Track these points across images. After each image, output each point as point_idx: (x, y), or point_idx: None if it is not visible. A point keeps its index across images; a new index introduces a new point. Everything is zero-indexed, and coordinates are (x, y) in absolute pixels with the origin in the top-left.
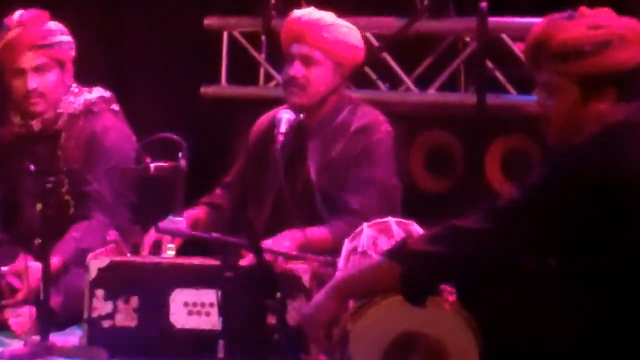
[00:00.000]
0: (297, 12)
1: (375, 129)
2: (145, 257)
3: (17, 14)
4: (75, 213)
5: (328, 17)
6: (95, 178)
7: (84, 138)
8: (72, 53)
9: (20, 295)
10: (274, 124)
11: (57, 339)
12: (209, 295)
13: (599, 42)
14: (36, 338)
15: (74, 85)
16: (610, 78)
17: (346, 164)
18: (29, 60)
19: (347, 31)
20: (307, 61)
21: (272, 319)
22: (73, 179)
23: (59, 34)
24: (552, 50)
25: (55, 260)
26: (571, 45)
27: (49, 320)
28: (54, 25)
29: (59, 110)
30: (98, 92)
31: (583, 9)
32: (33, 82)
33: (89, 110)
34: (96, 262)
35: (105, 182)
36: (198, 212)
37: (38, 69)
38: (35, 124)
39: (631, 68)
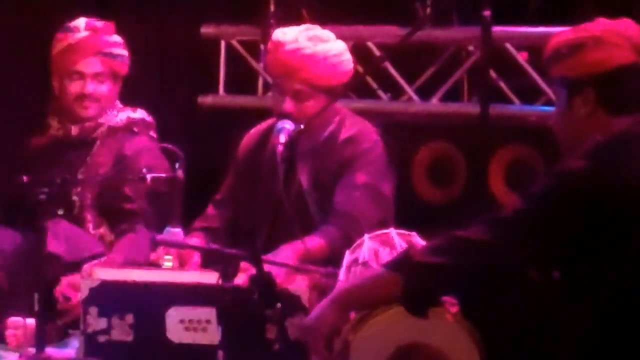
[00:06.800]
0: (284, 41)
1: (363, 138)
2: (139, 274)
3: (84, 19)
4: (118, 228)
5: (320, 48)
6: (135, 195)
7: (118, 153)
8: (126, 69)
9: (73, 303)
10: (267, 135)
11: (53, 351)
12: (206, 313)
13: (573, 44)
14: (31, 350)
15: (117, 102)
16: (586, 80)
17: (336, 172)
18: (90, 65)
19: (338, 60)
20: (298, 97)
21: (271, 330)
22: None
23: (121, 47)
24: (545, 57)
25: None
26: (553, 49)
27: (45, 332)
28: (118, 38)
29: (100, 120)
30: (141, 114)
31: (600, 19)
32: (91, 87)
33: (129, 128)
34: (87, 282)
35: (145, 199)
36: (196, 241)
37: (96, 76)
38: (74, 129)
39: (609, 69)
